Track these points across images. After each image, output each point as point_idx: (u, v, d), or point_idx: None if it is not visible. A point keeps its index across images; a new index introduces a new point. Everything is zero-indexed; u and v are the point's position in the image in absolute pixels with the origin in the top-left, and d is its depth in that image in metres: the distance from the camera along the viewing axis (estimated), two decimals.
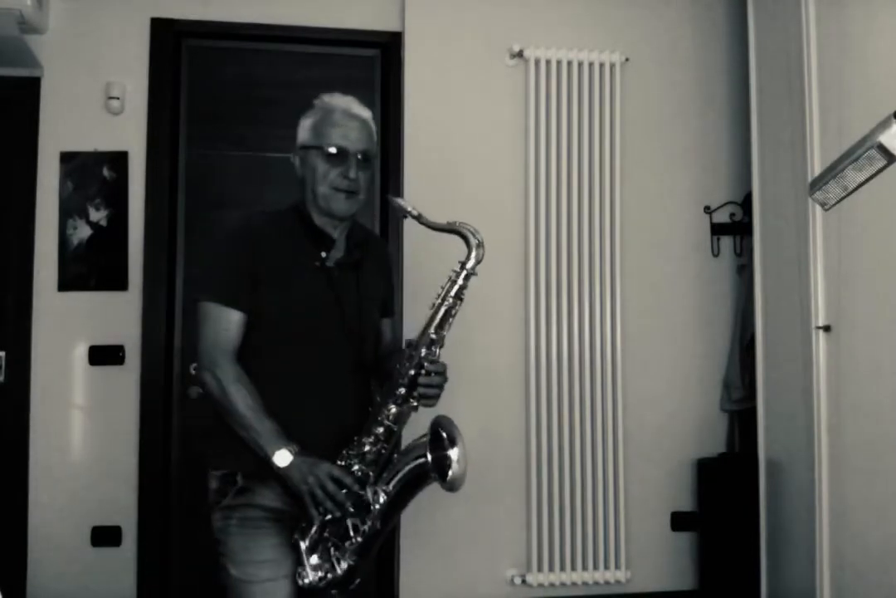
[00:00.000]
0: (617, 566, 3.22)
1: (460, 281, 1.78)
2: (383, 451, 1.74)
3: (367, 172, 1.84)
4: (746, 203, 3.36)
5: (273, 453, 1.66)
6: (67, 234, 3.10)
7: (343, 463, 1.72)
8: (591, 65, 3.34)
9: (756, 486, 3.02)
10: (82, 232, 3.11)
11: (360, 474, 1.71)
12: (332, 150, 1.80)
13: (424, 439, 1.71)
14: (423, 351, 1.75)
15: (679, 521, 3.35)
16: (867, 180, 1.05)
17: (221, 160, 3.28)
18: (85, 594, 2.97)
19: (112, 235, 3.12)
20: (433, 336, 1.76)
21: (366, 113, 1.87)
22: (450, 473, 1.69)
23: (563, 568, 3.18)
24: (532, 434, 3.20)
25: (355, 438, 1.74)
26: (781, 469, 2.91)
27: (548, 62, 3.31)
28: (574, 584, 3.19)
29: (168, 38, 3.20)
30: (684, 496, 3.37)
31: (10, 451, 3.00)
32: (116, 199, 3.13)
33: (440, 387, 1.77)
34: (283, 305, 1.76)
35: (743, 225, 3.43)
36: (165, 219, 3.15)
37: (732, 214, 3.50)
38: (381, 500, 1.71)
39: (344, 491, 1.66)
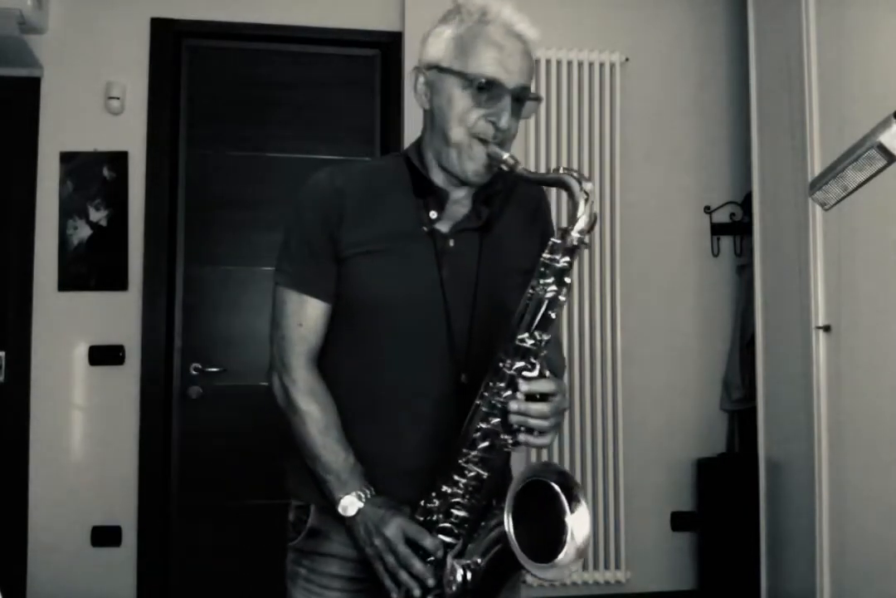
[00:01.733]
0: (617, 566, 3.22)
1: (562, 258, 1.16)
2: (475, 504, 1.23)
3: (519, 117, 1.30)
4: (746, 203, 3.36)
5: (340, 498, 1.26)
6: (67, 234, 3.10)
7: (423, 519, 1.24)
8: (591, 65, 3.34)
9: (756, 486, 3.02)
10: (82, 232, 3.11)
11: (447, 533, 1.23)
12: (487, 79, 1.25)
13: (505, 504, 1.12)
14: (518, 364, 1.18)
15: (679, 521, 3.35)
16: (867, 180, 1.05)
17: (221, 160, 3.28)
18: (85, 594, 2.97)
19: (112, 235, 3.12)
20: (527, 343, 1.17)
21: (533, 32, 1.29)
22: (560, 554, 1.15)
23: None
24: None
25: (436, 485, 1.24)
26: (781, 469, 2.91)
27: (548, 62, 3.31)
28: (574, 584, 3.19)
29: (168, 38, 3.20)
30: (684, 496, 3.36)
31: (10, 451, 3.00)
32: (116, 199, 3.13)
33: (550, 417, 1.18)
34: (369, 285, 1.30)
35: (743, 225, 3.43)
36: (165, 219, 3.15)
37: (732, 214, 3.50)
38: (458, 578, 1.18)
39: (430, 558, 1.21)
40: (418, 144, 1.38)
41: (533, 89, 1.36)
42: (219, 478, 3.14)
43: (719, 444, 3.43)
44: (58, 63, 3.11)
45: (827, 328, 2.61)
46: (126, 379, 3.08)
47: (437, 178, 1.34)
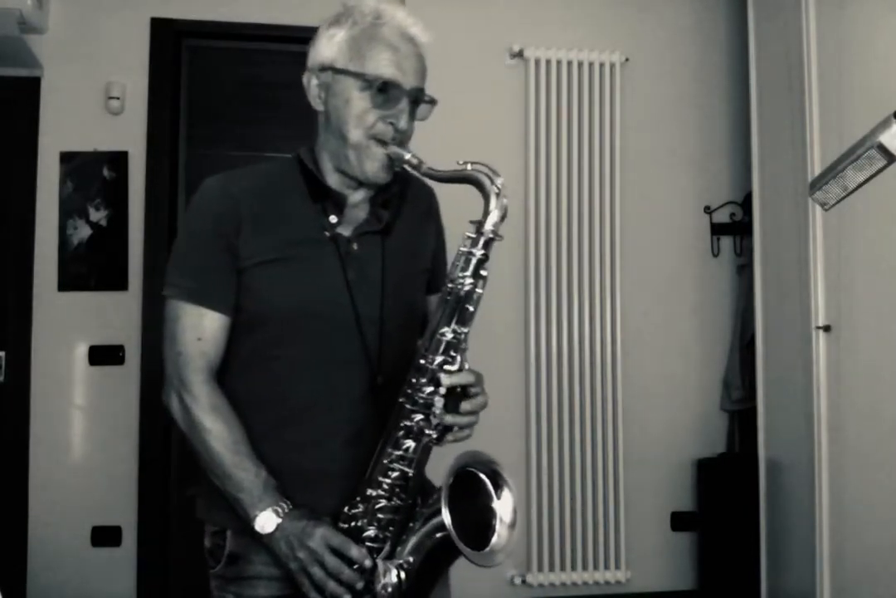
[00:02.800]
0: (617, 566, 3.22)
1: (478, 251, 1.20)
2: (400, 505, 1.21)
3: (415, 119, 1.31)
4: (746, 203, 3.36)
5: (255, 516, 1.20)
6: (67, 234, 3.09)
7: (348, 526, 1.21)
8: (591, 65, 3.34)
9: (756, 486, 3.02)
10: (82, 232, 3.10)
11: (375, 539, 1.21)
12: (384, 80, 1.24)
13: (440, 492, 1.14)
14: (439, 359, 1.19)
15: (679, 521, 3.35)
16: (867, 180, 1.05)
17: (221, 160, 3.28)
18: (85, 594, 2.97)
19: (112, 235, 3.12)
20: (448, 337, 1.19)
21: (425, 37, 1.30)
22: (494, 539, 1.17)
23: (563, 568, 3.18)
24: (532, 434, 3.20)
25: (361, 489, 1.23)
26: (781, 469, 2.91)
27: (548, 62, 3.31)
28: (574, 584, 3.19)
29: (168, 38, 3.20)
30: (684, 496, 3.36)
31: (10, 451, 2.99)
32: (116, 199, 3.13)
33: (475, 413, 1.21)
34: (272, 295, 1.27)
35: (743, 225, 3.43)
36: (165, 219, 3.15)
37: (732, 214, 3.50)
38: (393, 579, 1.17)
39: (354, 566, 1.17)
40: (311, 146, 1.36)
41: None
42: None
43: (719, 444, 3.43)
44: (58, 63, 3.11)
45: (827, 328, 2.61)
46: (126, 379, 3.08)
47: (332, 180, 1.33)
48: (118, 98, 3.11)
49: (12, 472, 2.98)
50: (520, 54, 3.31)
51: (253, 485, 1.21)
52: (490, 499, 1.20)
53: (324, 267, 1.28)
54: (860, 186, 1.06)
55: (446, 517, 1.10)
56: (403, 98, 1.26)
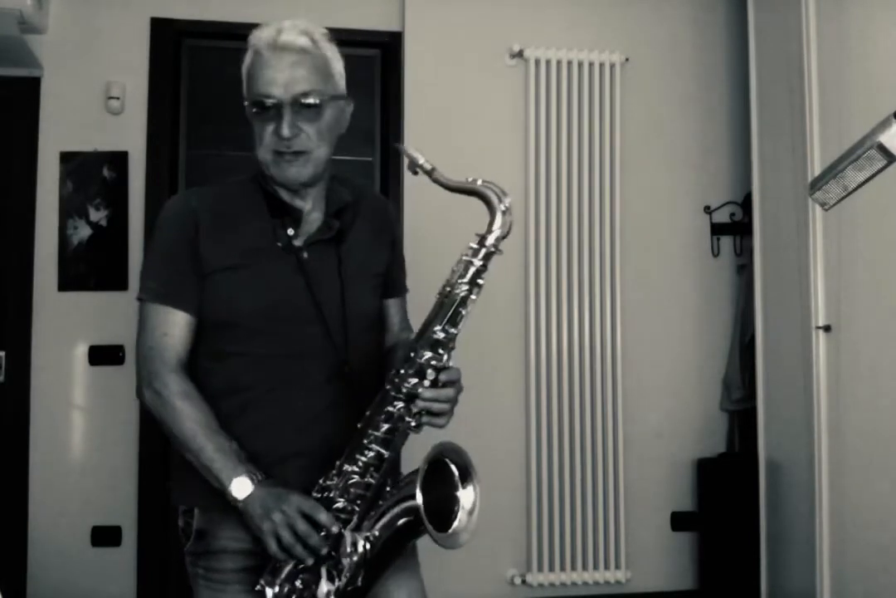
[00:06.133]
0: (617, 566, 3.22)
1: (478, 261, 1.32)
2: (372, 483, 1.32)
3: (317, 120, 1.40)
4: (746, 203, 3.36)
5: (229, 482, 1.29)
6: (67, 234, 3.09)
7: (321, 496, 1.32)
8: (591, 65, 3.34)
9: (756, 486, 3.02)
10: (82, 232, 3.10)
11: (344, 511, 1.31)
12: (261, 101, 1.40)
13: (415, 475, 1.26)
14: (427, 354, 1.31)
15: (679, 521, 3.35)
16: (867, 180, 1.05)
17: (221, 160, 3.28)
18: (85, 594, 2.97)
19: (112, 235, 3.12)
20: (439, 336, 1.31)
21: (302, 40, 1.39)
22: (455, 523, 1.29)
23: (563, 568, 3.18)
24: (532, 434, 3.20)
25: (336, 464, 1.33)
26: (781, 469, 2.91)
27: (548, 62, 3.31)
28: (574, 584, 3.19)
29: (168, 38, 3.20)
30: (684, 496, 3.36)
31: (10, 451, 3.00)
32: (116, 199, 3.13)
33: (450, 402, 1.33)
34: (236, 299, 1.39)
35: (743, 225, 3.43)
36: None
37: (732, 214, 3.50)
38: (360, 549, 1.28)
39: (321, 533, 1.27)
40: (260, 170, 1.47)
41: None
42: None
43: (719, 444, 3.43)
44: (58, 63, 3.11)
45: (827, 328, 2.61)
46: (126, 379, 3.07)
47: (282, 192, 1.45)
48: (118, 98, 3.11)
49: (12, 472, 2.98)
50: (520, 54, 3.31)
51: (227, 455, 1.32)
52: (456, 488, 1.31)
53: (280, 273, 1.41)
54: (860, 186, 1.06)
55: (419, 498, 1.21)
56: (284, 107, 1.37)
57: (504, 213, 1.32)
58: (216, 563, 1.39)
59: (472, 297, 1.33)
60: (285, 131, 1.37)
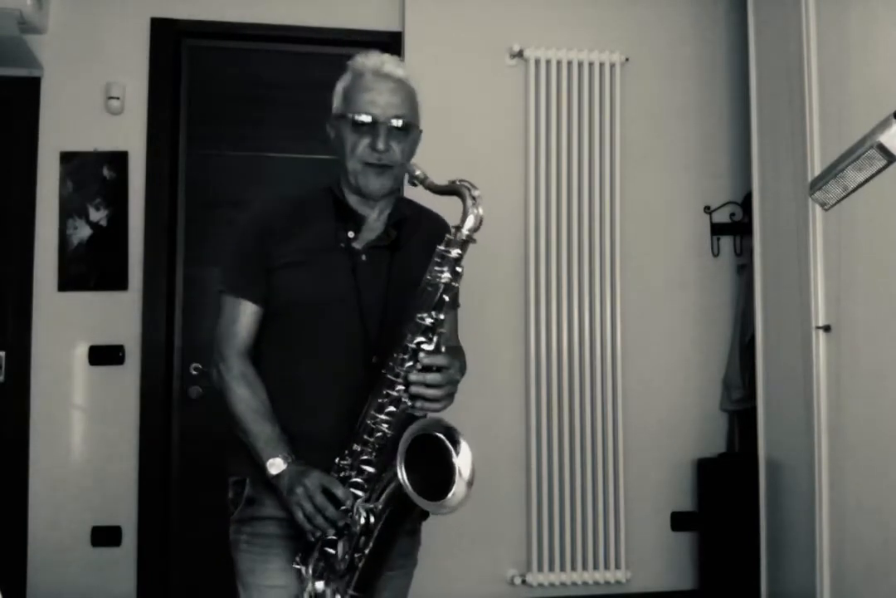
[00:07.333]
0: (617, 566, 3.22)
1: (454, 250, 1.47)
2: (380, 460, 1.47)
3: (405, 141, 1.60)
4: (746, 203, 3.36)
5: (267, 460, 1.49)
6: (67, 234, 3.10)
7: (339, 475, 1.48)
8: (591, 65, 3.34)
9: (756, 486, 3.02)
10: (82, 232, 3.11)
11: (358, 486, 1.47)
12: (360, 118, 1.57)
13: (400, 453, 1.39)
14: (417, 339, 1.44)
15: (679, 521, 3.35)
16: (867, 180, 1.05)
17: (221, 160, 3.28)
18: (85, 594, 2.97)
19: (112, 235, 3.12)
20: (426, 321, 1.44)
21: (400, 71, 1.63)
22: (452, 491, 1.41)
23: (563, 568, 3.18)
24: (532, 434, 3.20)
25: (349, 446, 1.49)
26: (781, 469, 2.91)
27: (548, 62, 3.31)
28: (574, 584, 3.19)
29: (168, 38, 3.20)
30: (684, 496, 3.36)
31: (10, 451, 3.00)
32: (116, 199, 3.13)
33: (441, 387, 1.45)
34: (293, 291, 1.57)
35: (743, 225, 3.43)
36: (165, 219, 3.15)
37: (732, 214, 3.50)
38: (362, 520, 1.44)
39: (340, 507, 1.44)
40: (336, 180, 1.67)
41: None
42: (219, 478, 3.14)
43: (719, 444, 3.43)
44: (58, 63, 3.11)
45: (827, 328, 2.61)
46: (126, 379, 3.08)
47: (352, 200, 1.64)
48: (118, 98, 3.11)
49: (12, 472, 2.98)
50: (520, 54, 3.31)
51: (269, 437, 1.51)
52: (450, 456, 1.43)
53: (337, 271, 1.58)
54: (860, 186, 1.06)
55: (401, 472, 1.35)
56: (380, 126, 1.57)
57: (473, 204, 1.47)
58: (261, 528, 1.56)
59: (454, 284, 1.47)
60: (381, 145, 1.56)
